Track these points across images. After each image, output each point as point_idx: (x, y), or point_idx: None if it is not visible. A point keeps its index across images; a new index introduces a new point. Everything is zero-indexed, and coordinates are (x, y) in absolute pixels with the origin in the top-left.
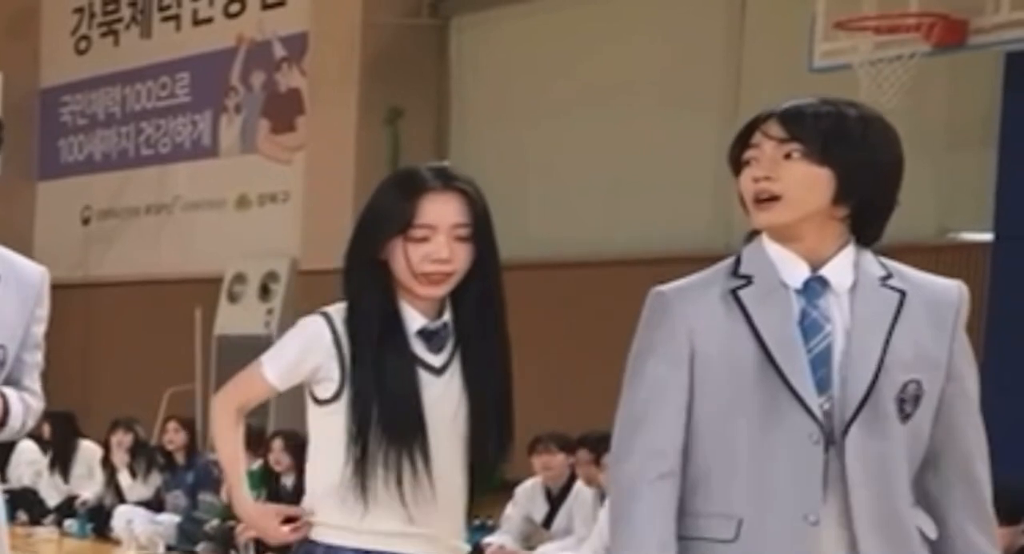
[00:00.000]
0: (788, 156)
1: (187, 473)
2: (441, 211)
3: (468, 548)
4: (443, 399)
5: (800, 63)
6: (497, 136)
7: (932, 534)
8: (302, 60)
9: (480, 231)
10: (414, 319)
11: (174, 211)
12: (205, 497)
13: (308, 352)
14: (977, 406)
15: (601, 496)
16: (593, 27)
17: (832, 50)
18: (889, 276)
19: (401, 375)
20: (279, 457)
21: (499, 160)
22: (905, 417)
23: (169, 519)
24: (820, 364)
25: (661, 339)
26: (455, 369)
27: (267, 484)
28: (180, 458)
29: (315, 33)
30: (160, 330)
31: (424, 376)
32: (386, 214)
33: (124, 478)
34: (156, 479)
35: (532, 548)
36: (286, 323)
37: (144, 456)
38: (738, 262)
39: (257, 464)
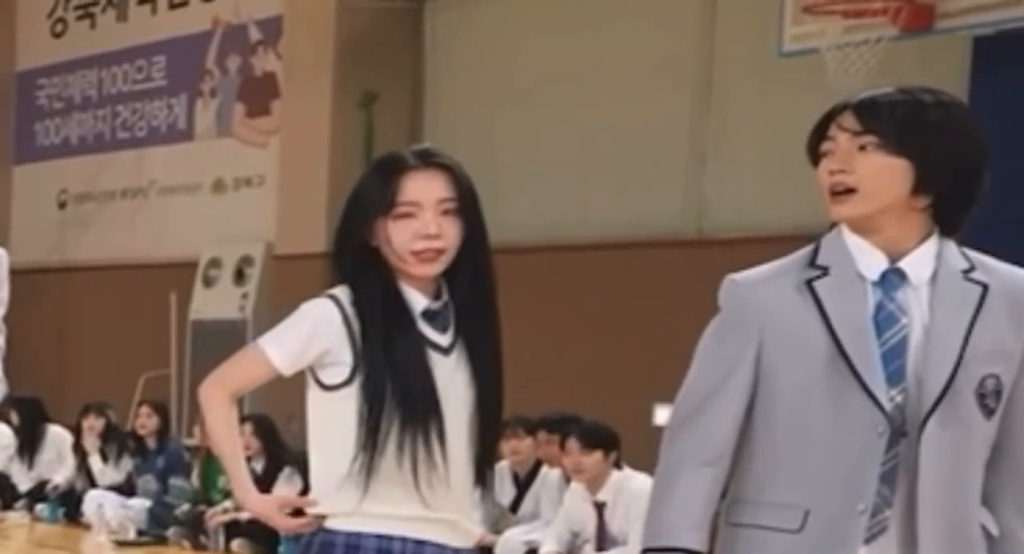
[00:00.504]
0: (863, 148)
1: (158, 458)
2: (424, 187)
3: (481, 531)
4: (453, 379)
5: (772, 47)
6: (471, 120)
7: (995, 531)
8: (278, 44)
9: (467, 206)
10: (417, 300)
11: (150, 195)
12: (176, 482)
13: (317, 335)
14: None
15: (567, 479)
16: (566, 11)
17: (801, 34)
18: (972, 268)
19: (412, 355)
20: (249, 441)
21: (473, 144)
22: (989, 412)
23: (140, 504)
24: (894, 357)
25: (731, 328)
26: (460, 349)
27: None
28: (151, 443)
29: (290, 16)
30: (135, 314)
31: (433, 356)
32: (369, 197)
33: (95, 463)
34: (128, 464)
35: (499, 532)
36: (261, 308)
37: (115, 441)
38: (816, 252)
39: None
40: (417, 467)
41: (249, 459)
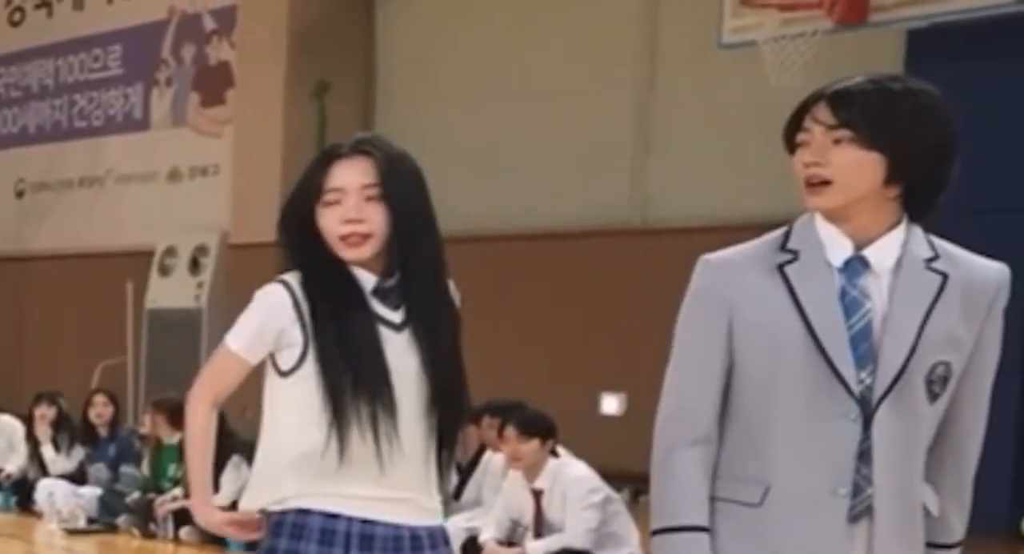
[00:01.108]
0: (838, 141)
1: (109, 446)
2: (347, 174)
3: (439, 508)
4: (405, 354)
5: (713, 38)
6: (422, 110)
7: (935, 511)
8: (232, 33)
9: (392, 191)
10: (367, 279)
11: (107, 184)
12: (127, 470)
13: (270, 318)
14: (984, 390)
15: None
16: (515, 4)
17: (740, 26)
18: (935, 257)
19: (363, 332)
20: None
21: (424, 133)
22: (934, 397)
23: (91, 492)
24: (860, 340)
25: (704, 309)
26: (413, 326)
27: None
28: (103, 431)
29: (243, 6)
30: (92, 303)
31: (385, 332)
32: (304, 185)
33: (47, 451)
34: (79, 452)
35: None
36: (216, 297)
37: (67, 429)
38: (787, 236)
39: (178, 437)
40: (379, 439)
41: (159, 439)
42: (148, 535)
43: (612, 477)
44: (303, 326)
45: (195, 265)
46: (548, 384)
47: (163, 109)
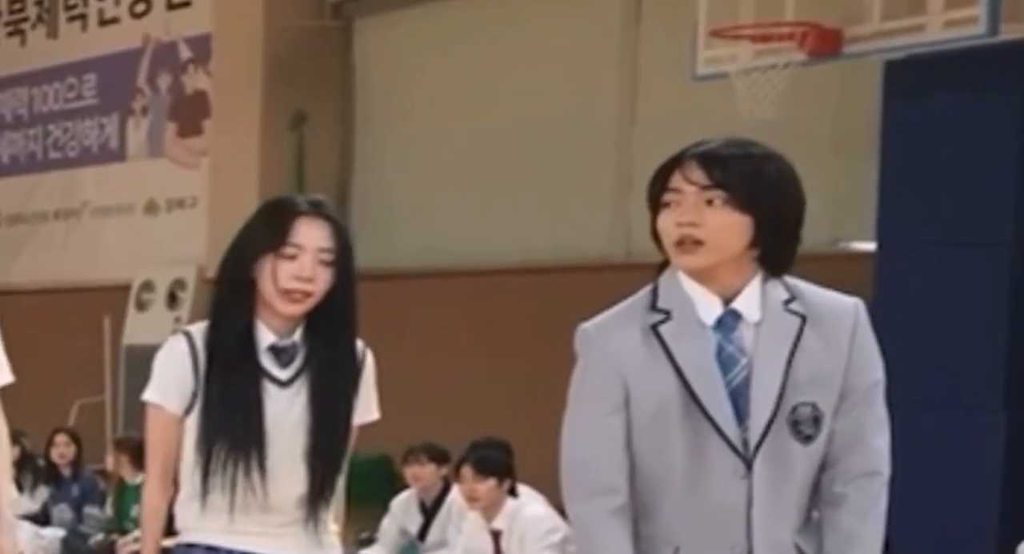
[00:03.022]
0: (710, 202)
1: (72, 486)
2: (310, 233)
3: (331, 541)
4: (288, 410)
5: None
6: (401, 140)
7: (810, 551)
8: (208, 62)
9: (342, 260)
10: (266, 336)
11: (83, 216)
12: (90, 511)
13: (175, 366)
14: (863, 435)
15: None
16: (494, 31)
17: (713, 58)
18: (791, 299)
19: (246, 386)
20: (119, 459)
21: (403, 164)
22: (805, 439)
23: (53, 534)
24: (738, 395)
25: (594, 379)
26: (302, 384)
27: None
28: (66, 471)
29: (218, 34)
30: (69, 339)
31: (269, 388)
32: (261, 233)
33: (11, 492)
34: (44, 493)
35: None
36: None
37: (31, 469)
38: (655, 295)
39: (140, 477)
40: (235, 490)
41: (122, 479)
42: None
43: None
44: (196, 376)
45: (172, 300)
46: (527, 422)
47: (139, 139)
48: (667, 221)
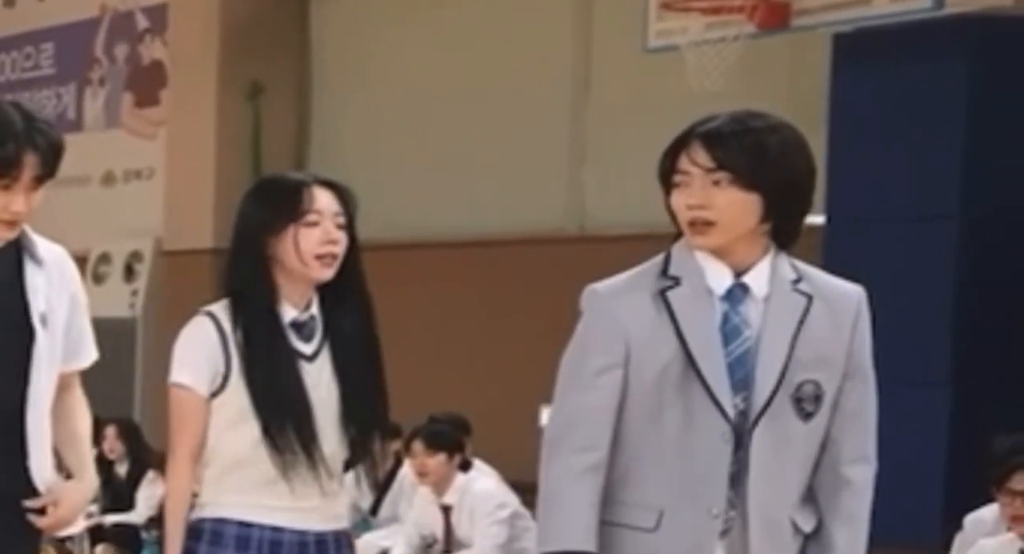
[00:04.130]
0: (717, 183)
1: None
2: (325, 200)
3: (345, 513)
4: (317, 384)
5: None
6: (358, 112)
7: (806, 528)
8: (165, 32)
9: (351, 224)
10: (287, 312)
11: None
12: None
13: (203, 347)
14: (862, 416)
15: None
16: (450, 3)
17: (664, 30)
18: (799, 280)
19: (283, 364)
20: (112, 445)
21: (361, 136)
22: (806, 416)
23: None
24: (739, 366)
25: (597, 338)
26: (325, 357)
27: (101, 473)
28: None
29: (175, 4)
30: None
31: (300, 364)
32: (277, 205)
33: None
34: None
35: (358, 537)
36: (151, 306)
37: None
38: (667, 262)
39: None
40: (286, 465)
41: (112, 463)
42: (64, 552)
43: None
44: (227, 356)
45: (129, 272)
46: (485, 397)
47: (96, 110)
48: (678, 202)
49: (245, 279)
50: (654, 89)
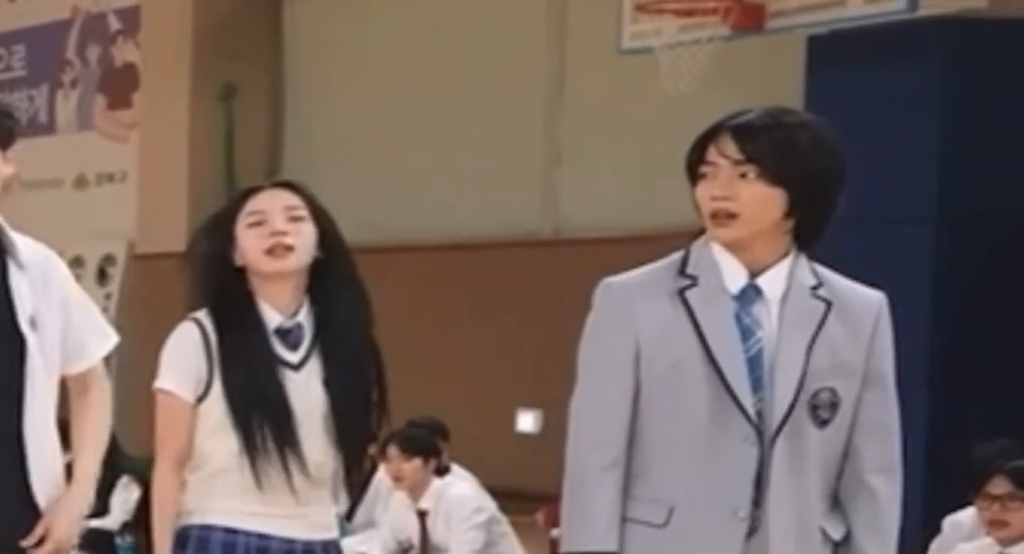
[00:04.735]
0: (743, 175)
1: None
2: (270, 200)
3: (334, 521)
4: (302, 393)
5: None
6: (332, 113)
7: (835, 536)
8: (137, 33)
9: (318, 214)
10: (271, 318)
11: (10, 190)
12: None
13: (188, 353)
14: (884, 427)
15: None
16: (423, 5)
17: (638, 32)
18: (819, 285)
19: (264, 373)
20: None
21: (334, 138)
22: (821, 423)
23: None
24: (754, 366)
25: (610, 334)
26: (313, 366)
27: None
28: None
29: (147, 6)
30: None
31: (283, 371)
32: (221, 213)
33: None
34: None
35: None
36: (124, 310)
37: None
38: (685, 260)
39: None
40: (259, 474)
41: None
42: None
43: (527, 498)
44: (210, 363)
45: (102, 276)
46: (461, 401)
47: (69, 112)
48: (703, 193)
49: (217, 287)
50: (628, 91)
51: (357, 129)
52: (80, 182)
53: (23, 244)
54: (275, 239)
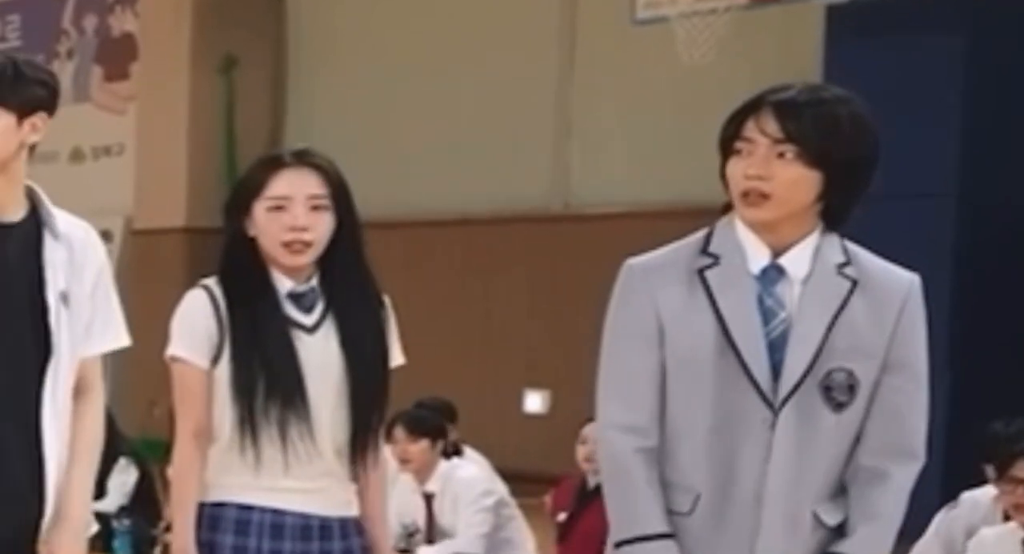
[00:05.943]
0: (782, 155)
1: None
2: (295, 183)
3: (353, 499)
4: (318, 355)
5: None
6: (336, 86)
7: (831, 522)
8: (136, 2)
9: (339, 203)
10: (283, 283)
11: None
12: None
13: (198, 318)
14: (902, 415)
15: None
16: None
17: (653, 1)
18: (847, 263)
19: (275, 334)
20: None
21: (337, 111)
22: (837, 406)
23: None
24: (776, 349)
25: (633, 316)
26: (329, 329)
27: None
28: None
29: None
30: None
31: (297, 334)
32: (245, 187)
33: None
34: None
35: None
36: (120, 286)
37: None
38: (708, 239)
39: None
40: (287, 440)
41: None
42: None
43: (534, 479)
44: (220, 327)
45: None
46: (468, 380)
47: (64, 84)
48: (736, 170)
49: (233, 256)
50: (642, 62)
51: (362, 102)
52: (76, 156)
53: (62, 218)
54: (295, 235)
